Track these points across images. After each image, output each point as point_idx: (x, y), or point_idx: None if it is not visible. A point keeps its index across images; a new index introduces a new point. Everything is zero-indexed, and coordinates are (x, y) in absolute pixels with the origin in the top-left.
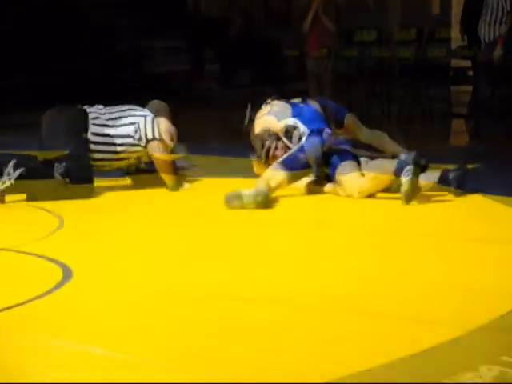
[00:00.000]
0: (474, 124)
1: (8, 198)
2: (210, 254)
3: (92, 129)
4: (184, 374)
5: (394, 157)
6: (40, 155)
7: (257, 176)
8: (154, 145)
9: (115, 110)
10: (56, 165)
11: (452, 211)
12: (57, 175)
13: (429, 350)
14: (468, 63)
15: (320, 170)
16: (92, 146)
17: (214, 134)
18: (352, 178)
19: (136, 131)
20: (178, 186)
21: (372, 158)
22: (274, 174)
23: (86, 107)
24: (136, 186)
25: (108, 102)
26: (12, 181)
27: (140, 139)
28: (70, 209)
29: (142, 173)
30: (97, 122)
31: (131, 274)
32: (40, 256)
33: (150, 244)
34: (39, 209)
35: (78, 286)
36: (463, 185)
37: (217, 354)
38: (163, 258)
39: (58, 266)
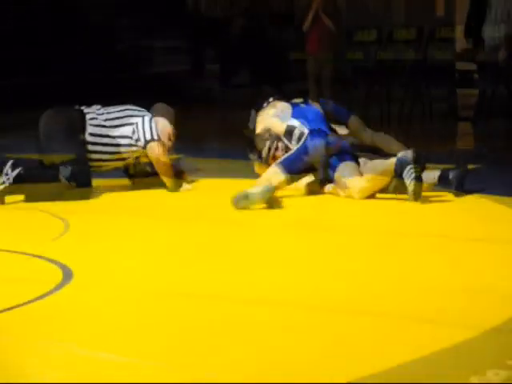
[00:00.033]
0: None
1: (8, 199)
2: (210, 255)
3: (89, 129)
4: (184, 375)
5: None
6: (46, 159)
7: (257, 176)
8: (152, 146)
9: (113, 111)
10: (61, 168)
11: (452, 211)
12: (62, 179)
13: (433, 354)
14: (473, 66)
15: (325, 172)
16: (89, 147)
17: (214, 133)
18: (352, 179)
19: (134, 132)
20: (177, 186)
21: (370, 159)
22: (274, 174)
23: (83, 108)
24: (135, 186)
25: (108, 102)
26: (10, 181)
27: (138, 140)
28: (70, 210)
29: (149, 176)
30: (94, 122)
31: (131, 274)
32: (40, 257)
33: (150, 245)
34: (39, 210)
35: (78, 286)
36: (463, 185)
37: (217, 355)
38: (163, 258)
39: (58, 267)
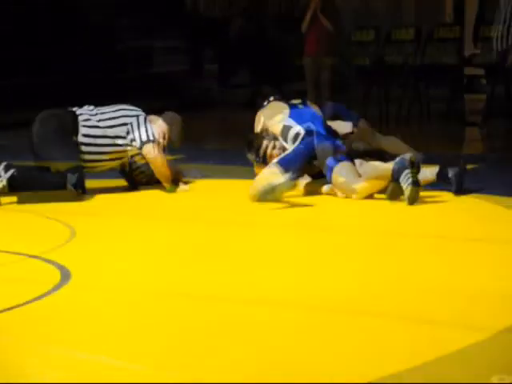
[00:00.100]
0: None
1: (4, 200)
2: (209, 256)
3: (83, 130)
4: (184, 375)
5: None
6: (52, 167)
7: (256, 175)
8: (149, 147)
9: (106, 111)
10: (69, 176)
11: (451, 211)
12: (69, 186)
13: (435, 360)
14: (481, 71)
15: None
16: (83, 148)
17: (212, 133)
18: (350, 179)
19: (128, 132)
20: (175, 187)
21: (367, 161)
22: (272, 174)
23: (75, 109)
24: (132, 187)
25: (108, 102)
26: (4, 182)
27: (134, 140)
28: (67, 212)
29: (148, 183)
30: (88, 123)
31: (129, 275)
32: (38, 258)
33: (149, 246)
34: (36, 212)
35: (76, 287)
36: (462, 183)
37: (217, 355)
38: (162, 259)
39: (56, 268)
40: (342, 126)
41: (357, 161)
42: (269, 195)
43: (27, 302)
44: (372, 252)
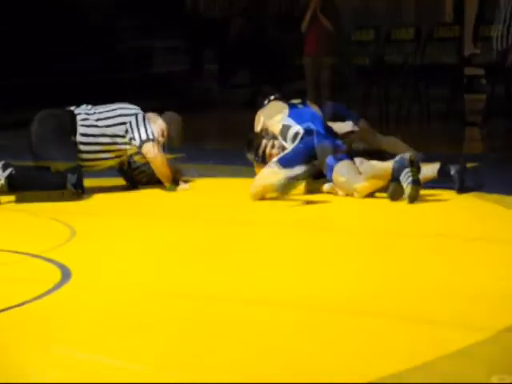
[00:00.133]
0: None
1: (3, 199)
2: (209, 255)
3: (81, 130)
4: (184, 375)
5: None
6: (52, 167)
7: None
8: (149, 146)
9: (104, 110)
10: (69, 176)
11: (451, 211)
12: (69, 186)
13: (435, 360)
14: (481, 71)
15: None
16: (81, 147)
17: (212, 133)
18: (351, 178)
19: (127, 131)
20: (175, 186)
21: (367, 159)
22: (272, 173)
23: (73, 108)
24: (131, 186)
25: (108, 102)
26: (2, 181)
27: (133, 139)
28: (67, 211)
29: (148, 183)
30: (86, 123)
31: (130, 274)
32: (38, 257)
33: (149, 245)
34: (37, 211)
35: (76, 286)
36: (464, 181)
37: (217, 355)
38: (162, 258)
39: (57, 267)
40: (343, 126)
41: (357, 159)
42: (289, 186)
43: (27, 301)
44: (372, 251)
